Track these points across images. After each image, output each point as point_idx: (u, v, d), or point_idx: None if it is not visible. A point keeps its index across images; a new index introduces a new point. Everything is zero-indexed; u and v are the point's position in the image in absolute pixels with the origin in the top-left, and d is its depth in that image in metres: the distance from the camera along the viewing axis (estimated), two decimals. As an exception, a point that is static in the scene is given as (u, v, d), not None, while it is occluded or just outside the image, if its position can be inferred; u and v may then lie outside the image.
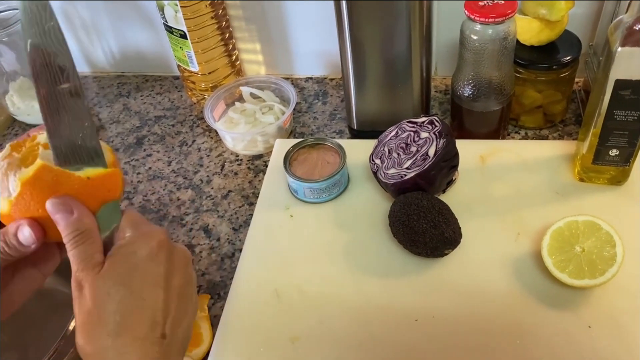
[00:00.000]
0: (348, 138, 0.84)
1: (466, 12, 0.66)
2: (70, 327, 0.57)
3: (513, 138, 0.80)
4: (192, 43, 0.84)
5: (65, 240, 0.41)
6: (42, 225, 0.42)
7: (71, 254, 0.40)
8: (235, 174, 0.81)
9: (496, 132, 0.77)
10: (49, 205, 0.41)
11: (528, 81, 0.75)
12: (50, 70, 0.41)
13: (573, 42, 0.74)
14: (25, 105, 0.95)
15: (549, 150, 0.72)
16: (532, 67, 0.73)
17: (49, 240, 0.43)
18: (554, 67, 0.72)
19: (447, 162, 0.63)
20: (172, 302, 0.42)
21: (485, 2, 0.66)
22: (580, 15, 0.77)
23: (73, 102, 0.43)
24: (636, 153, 0.63)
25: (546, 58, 0.73)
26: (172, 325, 0.42)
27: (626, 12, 0.56)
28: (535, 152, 0.72)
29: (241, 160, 0.83)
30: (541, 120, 0.79)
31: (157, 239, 0.43)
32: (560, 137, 0.78)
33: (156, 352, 0.40)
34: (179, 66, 0.91)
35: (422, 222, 0.59)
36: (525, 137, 0.79)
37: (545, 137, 0.79)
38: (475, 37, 0.67)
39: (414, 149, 0.65)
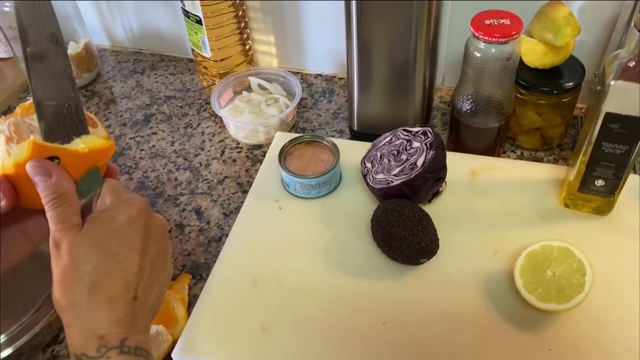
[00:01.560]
0: (348, 138, 0.86)
1: (472, 29, 0.67)
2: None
3: (508, 157, 0.81)
4: (206, 29, 0.86)
5: (44, 202, 0.44)
6: (32, 195, 0.45)
7: (49, 215, 0.43)
8: (234, 161, 0.83)
9: (492, 149, 0.78)
10: (28, 168, 0.43)
11: (529, 103, 0.76)
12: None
13: (577, 69, 0.75)
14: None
15: (540, 173, 0.73)
16: (534, 89, 0.74)
17: (34, 207, 0.46)
18: (555, 91, 0.73)
19: (434, 174, 0.65)
20: (146, 268, 0.45)
21: (492, 21, 0.67)
22: (588, 42, 0.78)
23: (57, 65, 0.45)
24: (621, 186, 0.63)
25: (549, 82, 0.74)
26: (144, 289, 0.45)
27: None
28: (526, 173, 0.73)
29: (241, 148, 0.85)
30: (538, 142, 0.80)
31: (136, 207, 0.46)
32: (555, 161, 0.79)
33: (127, 311, 0.43)
34: (193, 50, 0.93)
35: (402, 229, 0.61)
36: (521, 157, 0.80)
37: (541, 159, 0.80)
38: (478, 55, 0.68)
39: (404, 157, 0.66)
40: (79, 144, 0.46)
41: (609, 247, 0.64)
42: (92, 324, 0.41)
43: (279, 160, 0.72)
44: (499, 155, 0.79)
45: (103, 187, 0.47)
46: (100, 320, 0.42)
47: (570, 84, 0.73)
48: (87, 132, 0.48)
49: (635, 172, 0.76)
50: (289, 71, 0.95)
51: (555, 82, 0.74)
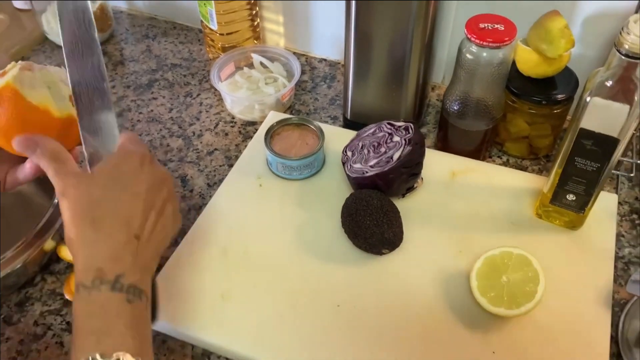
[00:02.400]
0: (340, 126, 0.87)
1: (465, 31, 0.67)
2: (39, 227, 0.64)
3: (494, 162, 0.81)
4: (215, 2, 0.87)
5: (42, 167, 0.49)
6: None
7: (49, 175, 0.48)
8: (226, 134, 0.86)
9: (477, 152, 0.78)
10: (15, 146, 0.49)
11: (519, 110, 0.76)
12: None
13: (571, 81, 0.74)
14: (58, 27, 1.00)
15: (520, 181, 0.73)
16: (525, 98, 0.74)
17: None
18: (545, 102, 0.73)
19: (408, 169, 0.66)
20: (150, 214, 0.49)
21: (486, 25, 0.67)
22: (588, 57, 0.77)
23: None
24: (592, 203, 0.64)
25: (540, 92, 0.74)
26: (148, 232, 0.49)
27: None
28: (505, 180, 0.74)
29: (235, 123, 0.87)
30: (525, 151, 0.80)
31: (140, 159, 0.51)
32: (540, 172, 0.79)
33: (127, 249, 0.47)
34: (201, 21, 0.95)
35: (367, 218, 0.62)
36: (506, 164, 0.81)
37: (525, 168, 0.80)
38: (470, 57, 0.69)
39: (383, 149, 0.68)
40: (43, 100, 0.51)
41: (573, 260, 0.65)
42: (93, 256, 0.45)
43: (265, 139, 0.74)
44: (484, 159, 0.80)
45: (119, 137, 0.53)
46: (100, 254, 0.46)
47: (562, 96, 0.73)
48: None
49: (616, 192, 0.76)
50: (295, 52, 0.97)
51: (548, 92, 0.74)
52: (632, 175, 0.75)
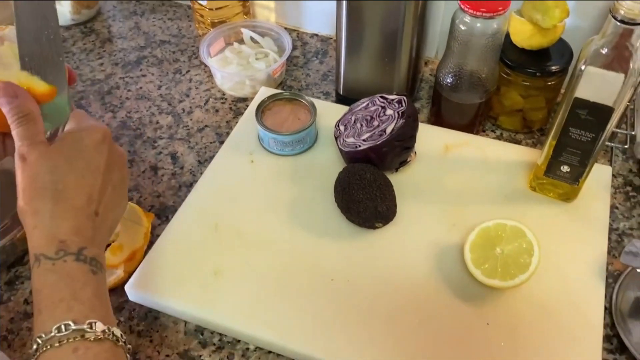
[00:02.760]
0: (333, 101, 0.86)
1: (459, 1, 0.66)
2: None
3: (487, 136, 0.80)
4: (203, -24, 0.86)
5: (10, 121, 0.46)
6: None
7: (15, 132, 0.46)
8: (217, 111, 0.84)
9: (471, 126, 0.78)
10: None
11: (513, 83, 0.75)
12: None
13: (565, 53, 0.73)
14: None
15: (513, 155, 0.73)
16: (519, 70, 0.73)
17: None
18: (539, 74, 0.72)
19: (401, 143, 0.65)
20: (107, 190, 0.49)
21: (480, -5, 0.66)
22: (582, 29, 0.76)
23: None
24: (586, 174, 0.63)
25: (535, 63, 0.73)
26: (105, 208, 0.48)
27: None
28: (499, 154, 0.73)
29: (226, 99, 0.86)
30: (519, 124, 0.80)
31: (102, 133, 0.50)
32: (534, 145, 0.79)
33: (88, 225, 0.46)
34: (190, -4, 0.93)
35: (360, 192, 0.62)
36: (500, 137, 0.80)
37: (519, 142, 0.79)
38: (463, 28, 0.67)
39: (376, 123, 0.67)
40: (20, 78, 0.48)
41: (567, 232, 0.65)
42: (55, 230, 0.45)
43: (256, 114, 0.73)
44: (477, 133, 0.79)
45: (70, 115, 0.51)
46: (62, 227, 0.45)
47: (556, 67, 0.72)
48: (61, 68, 0.50)
49: (610, 164, 0.75)
50: (286, 28, 0.95)
51: (542, 64, 0.73)
52: (626, 147, 0.74)
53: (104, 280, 0.48)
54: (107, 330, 0.43)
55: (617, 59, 0.54)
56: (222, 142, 0.80)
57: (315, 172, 0.72)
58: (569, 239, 0.64)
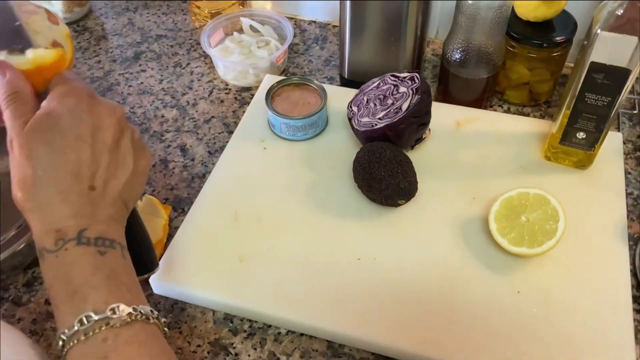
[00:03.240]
0: (338, 85, 0.86)
1: (465, -26, 0.66)
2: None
3: (495, 110, 0.81)
4: (200, -34, 0.85)
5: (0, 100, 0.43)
6: None
7: (5, 114, 0.43)
8: (222, 101, 0.83)
9: (479, 101, 0.78)
10: None
11: (519, 56, 0.75)
12: None
13: (570, 24, 0.74)
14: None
15: (524, 127, 0.73)
16: (525, 42, 0.74)
17: None
18: (546, 45, 0.73)
19: (418, 119, 0.65)
20: (101, 156, 0.44)
21: (486, -33, 0.66)
22: (583, -1, 0.77)
23: None
24: (602, 139, 0.64)
25: (540, 35, 0.73)
26: (104, 178, 0.44)
27: (614, -3, 0.56)
28: (510, 127, 0.73)
29: (229, 89, 0.85)
30: (526, 98, 0.80)
31: (75, 97, 0.44)
32: (542, 117, 0.79)
33: (82, 202, 0.42)
34: (185, -12, 0.92)
35: (382, 170, 0.61)
36: (508, 112, 0.81)
37: (527, 115, 0.80)
38: (470, 2, 0.68)
39: (390, 101, 0.67)
40: (23, 61, 0.45)
41: (585, 199, 0.65)
42: (50, 219, 0.41)
43: (266, 100, 0.72)
44: (486, 108, 0.80)
45: (52, 82, 0.46)
46: (56, 214, 0.41)
47: (562, 38, 0.73)
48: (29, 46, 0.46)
49: (619, 130, 0.76)
50: (282, 15, 0.94)
51: (547, 35, 0.73)
52: (635, 112, 0.75)
53: (119, 255, 0.43)
54: (133, 311, 0.40)
55: (631, 22, 0.55)
56: (230, 132, 0.79)
57: (330, 155, 0.71)
58: (588, 205, 0.65)
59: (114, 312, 0.40)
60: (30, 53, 0.46)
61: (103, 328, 0.39)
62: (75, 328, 0.39)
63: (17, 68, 0.45)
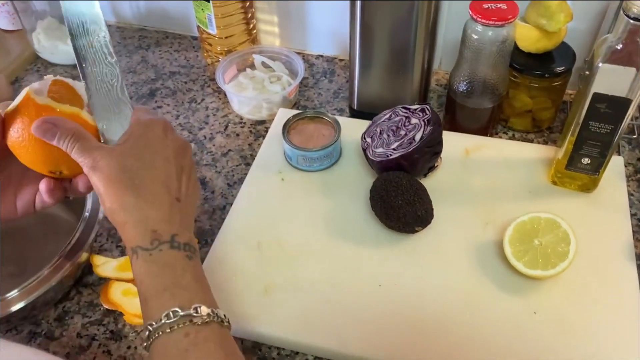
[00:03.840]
0: (347, 117, 0.89)
1: (470, 12, 0.70)
2: (69, 247, 0.63)
3: (500, 137, 0.84)
4: (213, 6, 0.88)
5: (64, 147, 0.48)
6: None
7: (73, 152, 0.48)
8: (237, 135, 0.86)
9: (485, 129, 0.82)
10: (34, 130, 0.47)
11: (521, 85, 0.79)
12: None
13: (569, 54, 0.78)
14: (50, 45, 1.00)
15: (530, 153, 0.77)
16: (527, 72, 0.78)
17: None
18: (547, 75, 0.77)
19: (431, 149, 0.68)
20: (182, 177, 0.50)
21: (489, 4, 0.70)
22: (580, 30, 0.81)
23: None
24: (606, 164, 0.67)
25: (541, 66, 0.77)
26: (185, 195, 0.50)
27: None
28: (517, 153, 0.77)
29: (244, 123, 0.88)
30: (529, 125, 0.84)
31: (162, 127, 0.51)
32: (545, 143, 0.83)
33: (173, 211, 0.48)
34: (198, 27, 0.96)
35: (399, 198, 0.64)
36: (512, 138, 0.84)
37: (531, 141, 0.83)
38: (475, 37, 0.72)
39: (403, 132, 0.70)
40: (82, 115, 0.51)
41: (593, 221, 0.68)
42: (145, 221, 0.46)
43: (283, 133, 0.76)
44: (491, 136, 0.83)
45: (131, 114, 0.52)
46: (151, 217, 0.46)
47: (562, 68, 0.77)
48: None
49: (619, 154, 0.80)
50: (292, 51, 0.98)
51: (547, 66, 0.77)
52: (634, 137, 0.79)
53: (200, 264, 0.48)
54: (211, 313, 0.44)
55: (629, 55, 0.59)
56: (247, 164, 0.82)
57: (345, 184, 0.74)
58: (595, 226, 0.68)
59: (197, 311, 0.44)
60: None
61: (186, 324, 0.43)
62: (163, 321, 0.43)
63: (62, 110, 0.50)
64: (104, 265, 0.68)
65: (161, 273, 0.45)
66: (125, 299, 0.65)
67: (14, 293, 0.60)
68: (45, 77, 0.52)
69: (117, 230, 0.47)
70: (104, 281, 0.68)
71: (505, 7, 0.70)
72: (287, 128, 0.77)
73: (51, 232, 0.75)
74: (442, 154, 0.75)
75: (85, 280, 0.69)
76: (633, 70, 0.59)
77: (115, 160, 0.47)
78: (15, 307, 0.60)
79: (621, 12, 0.57)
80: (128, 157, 0.48)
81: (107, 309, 0.65)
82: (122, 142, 0.49)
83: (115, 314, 0.65)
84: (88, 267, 0.69)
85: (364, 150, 0.73)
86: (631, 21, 0.56)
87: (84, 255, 0.65)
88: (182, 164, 0.51)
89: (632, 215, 0.72)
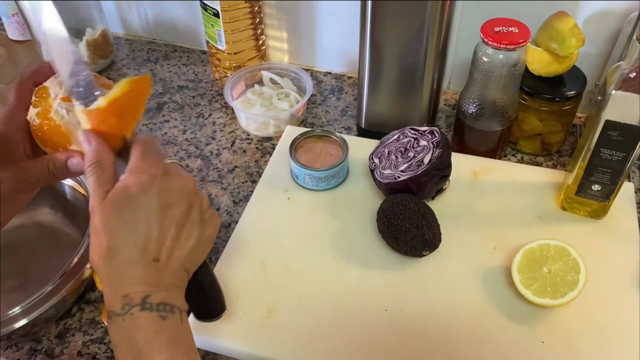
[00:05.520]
0: (355, 135, 0.89)
1: (481, 35, 0.70)
2: (72, 263, 0.63)
3: (509, 160, 0.84)
4: (223, 22, 0.89)
5: (85, 170, 0.47)
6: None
7: (88, 182, 0.47)
8: (244, 151, 0.86)
9: (494, 152, 0.81)
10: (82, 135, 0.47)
11: (531, 109, 0.79)
12: None
13: (579, 79, 0.78)
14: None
15: (539, 177, 0.76)
16: (537, 96, 0.77)
17: None
18: (557, 99, 0.76)
19: (439, 172, 0.68)
20: (168, 231, 0.47)
21: (501, 28, 0.70)
22: (591, 54, 0.81)
23: None
24: (617, 191, 0.67)
25: (551, 90, 0.77)
26: (169, 251, 0.47)
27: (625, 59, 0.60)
28: (526, 176, 0.76)
29: (251, 139, 0.88)
30: (538, 148, 0.83)
31: (149, 174, 0.47)
32: (554, 167, 0.82)
33: (147, 272, 0.45)
34: (207, 42, 0.96)
35: (407, 222, 0.63)
36: (521, 161, 0.83)
37: (540, 164, 0.83)
38: (486, 60, 0.71)
39: (411, 154, 0.69)
40: (99, 102, 0.48)
41: (602, 248, 0.67)
42: (118, 284, 0.45)
43: (290, 152, 0.75)
44: (500, 158, 0.82)
45: (135, 146, 0.48)
46: (123, 281, 0.45)
47: (572, 92, 0.76)
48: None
49: (629, 180, 0.79)
50: (300, 68, 0.98)
51: (558, 90, 0.77)
52: (645, 163, 0.78)
53: (178, 320, 0.46)
54: None
55: (641, 82, 0.58)
56: (253, 182, 0.81)
57: (352, 205, 0.74)
58: (605, 254, 0.67)
59: None
60: (101, 96, 0.48)
61: None
62: None
63: (96, 109, 0.48)
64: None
65: (134, 337, 0.43)
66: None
67: (16, 310, 0.60)
68: None
69: None
70: (107, 298, 0.67)
71: (517, 31, 0.69)
72: (294, 146, 0.76)
73: (54, 247, 0.74)
74: (450, 176, 0.74)
75: (87, 297, 0.68)
76: (645, 97, 0.58)
77: (102, 214, 0.45)
78: (18, 324, 0.60)
79: (634, 39, 0.56)
80: (110, 214, 0.45)
81: (108, 327, 0.65)
82: (110, 194, 0.46)
83: (117, 333, 0.64)
84: (91, 284, 0.68)
85: (372, 171, 0.72)
86: (645, 50, 0.55)
87: (87, 272, 0.65)
88: (171, 214, 0.47)
89: (642, 242, 0.71)
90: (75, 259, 0.63)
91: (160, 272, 0.46)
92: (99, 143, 0.48)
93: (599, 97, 0.63)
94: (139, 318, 0.44)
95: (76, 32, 1.01)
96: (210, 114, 0.93)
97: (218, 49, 0.94)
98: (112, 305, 0.44)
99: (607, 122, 0.61)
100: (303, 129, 0.80)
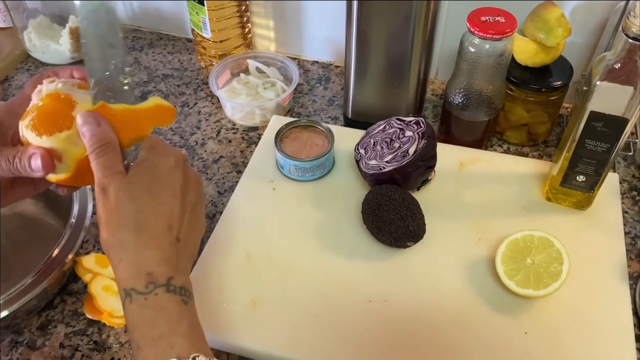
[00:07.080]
0: (341, 125, 0.88)
1: (468, 24, 0.69)
2: (54, 254, 0.62)
3: (495, 150, 0.83)
4: (208, 10, 0.87)
5: (89, 151, 0.46)
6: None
7: (95, 162, 0.46)
8: (229, 141, 0.85)
9: (480, 142, 0.81)
10: (79, 118, 0.46)
11: (518, 99, 0.79)
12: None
13: (566, 69, 0.77)
14: (41, 44, 0.98)
15: (524, 167, 0.76)
16: (523, 86, 0.77)
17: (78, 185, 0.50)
18: (544, 89, 0.76)
19: (425, 162, 0.67)
20: (185, 214, 0.48)
21: (488, 17, 0.69)
22: (578, 44, 0.81)
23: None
24: (601, 182, 0.67)
25: (538, 80, 0.77)
26: (186, 233, 0.48)
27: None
28: (511, 167, 0.76)
29: (237, 129, 0.87)
30: (525, 138, 0.83)
31: (175, 157, 0.49)
32: (540, 157, 0.82)
33: (172, 252, 0.45)
34: (192, 30, 0.95)
35: (391, 213, 0.63)
36: (507, 152, 0.83)
37: (526, 155, 0.83)
38: (472, 50, 0.71)
39: (396, 145, 0.69)
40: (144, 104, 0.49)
41: (586, 239, 0.67)
42: (141, 261, 0.44)
43: (275, 142, 0.74)
44: (486, 149, 0.82)
45: (144, 141, 0.49)
46: (148, 258, 0.44)
47: (559, 83, 0.76)
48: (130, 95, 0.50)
49: (614, 171, 0.79)
50: (287, 57, 0.97)
51: (545, 80, 0.77)
52: (630, 154, 0.78)
53: (195, 309, 0.46)
54: None
55: (627, 73, 0.58)
56: (239, 172, 0.81)
57: (337, 195, 0.73)
58: (589, 245, 0.67)
59: None
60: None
61: None
62: None
63: (113, 111, 0.48)
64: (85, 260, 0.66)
65: (157, 319, 0.42)
66: (103, 293, 0.63)
67: (-4, 302, 0.59)
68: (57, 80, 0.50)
69: (110, 264, 0.45)
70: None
71: (504, 20, 0.69)
72: (279, 137, 0.75)
73: (36, 238, 0.73)
74: (436, 167, 0.74)
75: (69, 289, 0.67)
76: (631, 89, 0.58)
77: (125, 190, 0.45)
78: (-1, 316, 0.59)
79: (620, 30, 0.56)
80: (136, 187, 0.46)
81: (91, 319, 0.64)
82: (135, 169, 0.47)
83: (100, 324, 0.64)
84: (73, 275, 0.67)
85: (357, 161, 0.72)
86: (630, 40, 0.55)
87: (69, 263, 0.64)
88: (188, 200, 0.48)
89: (626, 233, 0.72)
90: (57, 250, 0.63)
91: (181, 254, 0.47)
92: (107, 125, 0.47)
93: (585, 88, 0.63)
94: (164, 299, 0.43)
95: (59, 20, 0.99)
96: (196, 103, 0.92)
97: (203, 37, 0.93)
98: (133, 281, 0.43)
99: (592, 113, 0.60)
100: (289, 119, 0.79)
